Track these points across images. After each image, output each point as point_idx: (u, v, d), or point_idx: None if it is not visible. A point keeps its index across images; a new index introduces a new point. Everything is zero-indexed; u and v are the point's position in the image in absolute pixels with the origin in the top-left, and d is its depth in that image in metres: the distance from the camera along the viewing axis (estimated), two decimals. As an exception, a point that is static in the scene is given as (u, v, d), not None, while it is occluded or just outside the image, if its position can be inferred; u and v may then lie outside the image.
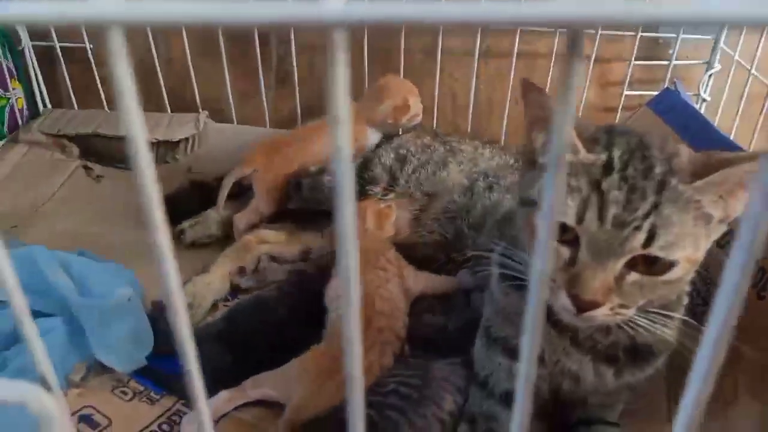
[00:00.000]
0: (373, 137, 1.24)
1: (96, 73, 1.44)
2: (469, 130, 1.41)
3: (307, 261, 1.09)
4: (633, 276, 0.60)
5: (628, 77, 1.33)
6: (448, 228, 1.05)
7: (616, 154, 0.61)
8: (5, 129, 1.40)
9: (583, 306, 0.60)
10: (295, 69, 1.41)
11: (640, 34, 1.30)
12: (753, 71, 1.21)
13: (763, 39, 1.21)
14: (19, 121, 1.44)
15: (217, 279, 1.04)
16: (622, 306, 0.61)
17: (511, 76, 1.37)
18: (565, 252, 0.62)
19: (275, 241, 1.12)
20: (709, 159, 0.60)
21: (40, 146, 1.38)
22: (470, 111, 1.41)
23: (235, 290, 1.06)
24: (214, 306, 1.03)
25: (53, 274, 0.91)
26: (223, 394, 0.80)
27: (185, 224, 1.17)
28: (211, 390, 0.85)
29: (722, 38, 1.28)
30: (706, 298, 0.80)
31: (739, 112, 1.23)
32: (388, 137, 1.25)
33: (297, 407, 0.75)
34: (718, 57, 1.30)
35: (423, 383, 0.78)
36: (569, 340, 0.72)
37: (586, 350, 0.72)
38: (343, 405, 0.75)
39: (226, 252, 1.10)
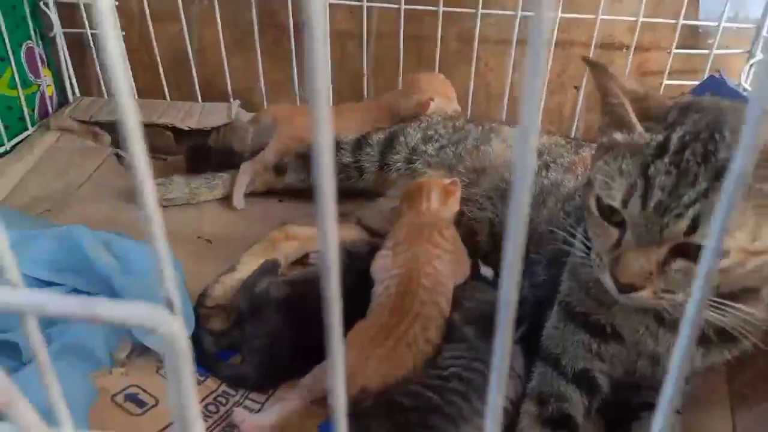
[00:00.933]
0: None
1: (128, 60, 1.43)
2: (504, 119, 1.39)
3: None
4: (679, 263, 0.59)
5: (668, 67, 1.31)
6: (500, 206, 1.03)
7: (676, 135, 0.59)
8: (36, 116, 1.38)
9: (622, 288, 0.61)
10: (329, 57, 1.39)
11: (681, 22, 1.29)
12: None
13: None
14: (49, 109, 1.42)
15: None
16: (666, 291, 0.60)
17: (548, 66, 1.35)
18: (614, 233, 0.62)
19: (304, 236, 1.08)
20: None
21: (72, 133, 1.37)
22: (506, 100, 1.38)
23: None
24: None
25: (95, 252, 0.89)
26: (289, 405, 0.77)
27: None
28: (269, 364, 0.83)
29: (765, 26, 1.26)
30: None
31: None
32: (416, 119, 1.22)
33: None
34: (760, 46, 1.28)
35: (487, 368, 0.76)
36: (654, 320, 0.70)
37: (675, 331, 0.70)
38: (398, 387, 0.75)
39: (253, 249, 1.05)
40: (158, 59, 1.42)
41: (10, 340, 0.77)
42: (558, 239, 0.78)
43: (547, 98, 1.39)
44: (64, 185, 1.26)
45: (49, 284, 0.89)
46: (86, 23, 1.40)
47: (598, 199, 0.64)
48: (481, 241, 1.03)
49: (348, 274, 0.93)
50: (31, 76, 1.37)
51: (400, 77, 1.39)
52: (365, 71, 1.42)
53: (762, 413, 0.80)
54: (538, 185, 1.01)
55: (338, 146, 1.16)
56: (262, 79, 1.43)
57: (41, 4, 1.37)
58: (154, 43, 1.41)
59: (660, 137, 0.60)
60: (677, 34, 1.29)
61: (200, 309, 0.87)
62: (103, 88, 1.47)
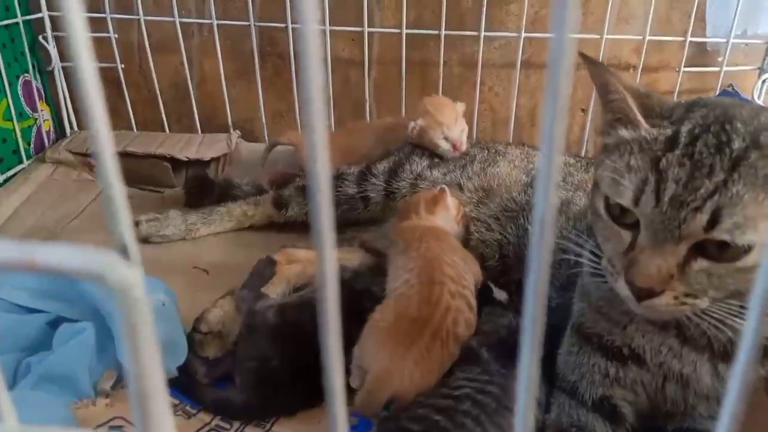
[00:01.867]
0: None
1: (126, 94, 1.41)
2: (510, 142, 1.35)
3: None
4: (700, 263, 0.54)
5: (678, 86, 1.28)
6: (509, 227, 0.98)
7: (686, 128, 0.56)
8: (31, 149, 1.36)
9: (639, 294, 0.55)
10: (330, 84, 1.37)
11: (689, 39, 1.26)
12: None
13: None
14: (45, 143, 1.40)
15: None
16: (688, 295, 0.55)
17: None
18: (627, 236, 0.57)
19: (305, 259, 1.03)
20: None
21: (67, 166, 1.34)
22: (512, 123, 1.35)
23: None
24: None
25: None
26: None
27: (142, 218, 1.13)
28: (256, 388, 0.77)
29: (776, 41, 1.24)
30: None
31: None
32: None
33: (377, 379, 0.69)
34: (772, 61, 1.25)
35: (502, 392, 0.69)
36: (677, 339, 0.64)
37: (701, 348, 0.63)
38: (406, 409, 0.68)
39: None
40: (158, 92, 1.40)
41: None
42: (570, 259, 0.72)
43: (554, 122, 1.35)
44: (59, 216, 1.22)
45: (32, 311, 0.83)
46: (86, 57, 1.38)
47: (607, 200, 0.59)
48: (492, 265, 0.99)
49: (352, 295, 0.88)
50: (27, 110, 1.35)
51: (403, 103, 1.36)
52: (368, 98, 1.39)
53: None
54: None
55: (342, 177, 1.13)
56: (263, 109, 1.40)
57: (40, 37, 1.36)
58: (154, 76, 1.39)
59: (669, 131, 0.56)
60: (685, 52, 1.27)
61: (195, 335, 0.81)
62: (102, 121, 1.44)
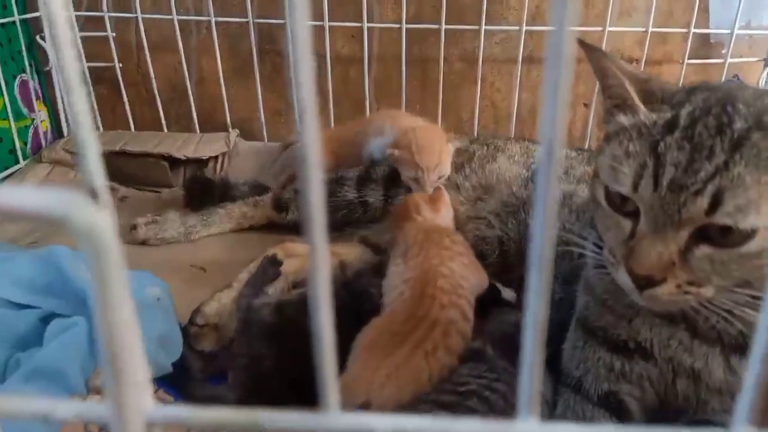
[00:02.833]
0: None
1: (124, 93, 1.40)
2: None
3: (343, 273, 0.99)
4: (703, 249, 0.52)
5: (682, 78, 1.26)
6: (510, 223, 0.96)
7: (685, 111, 0.54)
8: (28, 150, 1.34)
9: (640, 282, 0.54)
10: (330, 82, 1.35)
11: (692, 31, 1.24)
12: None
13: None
14: (42, 144, 1.38)
15: None
16: (691, 284, 0.53)
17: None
18: (627, 225, 0.56)
19: (303, 253, 1.01)
20: None
21: (64, 165, 1.32)
22: (513, 119, 1.33)
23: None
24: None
25: (75, 272, 0.82)
26: None
27: (140, 220, 1.11)
28: (248, 386, 0.75)
29: (781, 32, 1.22)
30: None
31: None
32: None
33: (344, 385, 0.65)
34: (778, 51, 1.23)
35: (510, 390, 0.67)
36: (687, 332, 0.62)
37: (712, 341, 0.61)
38: (406, 406, 0.66)
39: (251, 267, 0.99)
40: (156, 91, 1.39)
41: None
42: (573, 252, 0.70)
43: (556, 118, 1.33)
44: (54, 217, 1.20)
45: (24, 307, 0.81)
46: (83, 58, 1.38)
47: (606, 189, 0.58)
48: (492, 263, 0.96)
49: (352, 296, 0.86)
50: (24, 110, 1.33)
51: (404, 101, 1.34)
52: (368, 96, 1.37)
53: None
54: None
55: (341, 182, 1.11)
56: (261, 107, 1.39)
57: (38, 38, 1.35)
58: (152, 75, 1.38)
59: (668, 115, 0.55)
60: (689, 44, 1.25)
61: (191, 327, 0.79)
62: (99, 121, 1.43)
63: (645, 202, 0.53)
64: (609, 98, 0.61)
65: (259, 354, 0.75)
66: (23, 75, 1.33)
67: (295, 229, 1.16)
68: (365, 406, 0.63)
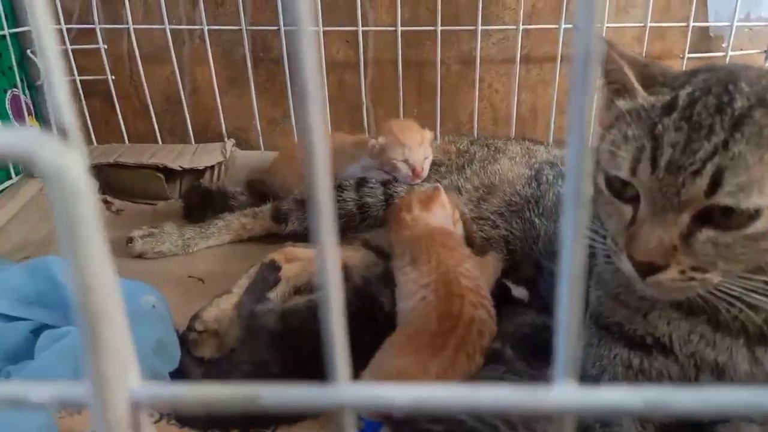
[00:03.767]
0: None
1: (117, 106, 1.38)
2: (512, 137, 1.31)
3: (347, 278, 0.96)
4: (706, 232, 0.50)
5: (682, 73, 1.25)
6: (514, 222, 0.94)
7: (684, 92, 0.52)
8: (20, 165, 1.31)
9: (641, 269, 0.52)
10: (326, 87, 1.33)
11: (691, 24, 1.23)
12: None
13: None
14: (36, 159, 1.35)
15: None
16: (696, 269, 0.51)
17: (556, 82, 1.29)
18: (628, 211, 0.54)
19: (304, 257, 0.99)
20: None
21: (57, 180, 1.29)
22: (513, 120, 1.31)
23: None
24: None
25: (68, 280, 0.79)
26: None
27: (136, 233, 1.09)
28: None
29: (781, 23, 1.21)
30: None
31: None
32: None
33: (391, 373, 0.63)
34: (779, 43, 1.22)
35: None
36: (708, 325, 0.59)
37: (736, 333, 0.58)
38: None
39: (251, 273, 0.97)
40: (149, 103, 1.37)
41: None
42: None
43: (557, 117, 1.32)
44: (47, 232, 1.17)
45: (15, 319, 0.78)
46: (75, 71, 1.36)
47: (606, 175, 0.56)
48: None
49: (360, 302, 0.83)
50: (16, 124, 1.31)
51: (401, 105, 1.32)
52: (364, 100, 1.35)
53: None
54: (554, 195, 0.94)
55: (341, 188, 1.09)
56: (257, 116, 1.36)
57: (29, 52, 1.33)
58: (145, 87, 1.36)
59: (667, 97, 0.53)
60: (688, 38, 1.24)
61: (189, 333, 0.76)
62: (92, 135, 1.41)
63: (644, 185, 0.51)
64: (609, 84, 0.60)
65: (264, 361, 0.72)
66: (14, 90, 1.31)
67: (295, 237, 1.13)
68: None
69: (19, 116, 1.32)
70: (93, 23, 1.31)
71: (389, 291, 0.81)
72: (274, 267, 0.90)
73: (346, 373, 0.22)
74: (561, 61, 1.27)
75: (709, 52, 1.27)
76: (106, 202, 1.29)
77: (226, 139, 1.38)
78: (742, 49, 1.26)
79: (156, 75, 1.37)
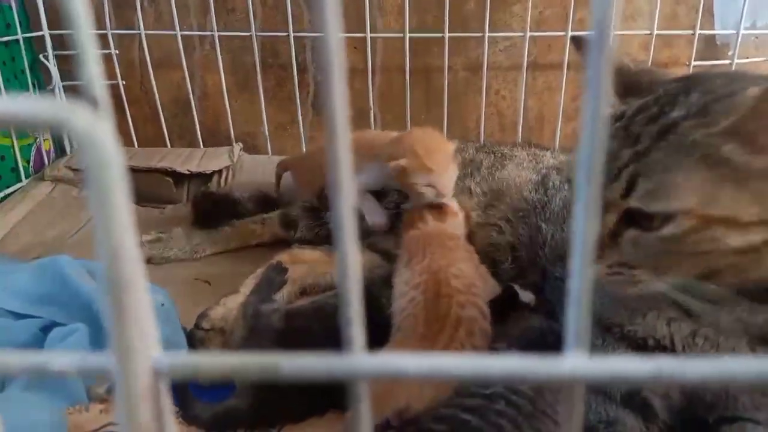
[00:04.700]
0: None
1: (128, 111, 1.39)
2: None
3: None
4: (630, 232, 0.54)
5: (688, 81, 1.25)
6: (521, 228, 0.94)
7: (639, 102, 0.56)
8: (30, 168, 1.33)
9: None
10: (334, 93, 1.34)
11: (697, 32, 1.24)
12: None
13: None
14: (45, 162, 1.37)
15: None
16: (622, 265, 0.55)
17: (563, 90, 1.30)
18: None
19: (310, 260, 0.99)
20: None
21: (67, 183, 1.31)
22: (520, 126, 1.32)
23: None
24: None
25: (79, 278, 0.80)
26: None
27: (144, 238, 1.09)
28: (257, 394, 0.72)
29: (787, 31, 1.21)
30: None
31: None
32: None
33: (384, 390, 0.63)
34: (785, 51, 1.23)
35: (536, 394, 0.64)
36: (711, 327, 0.60)
37: (738, 334, 0.58)
38: (427, 411, 0.63)
39: (258, 273, 0.97)
40: (159, 108, 1.38)
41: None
42: None
43: (563, 125, 1.32)
44: (57, 233, 1.18)
45: (24, 317, 0.79)
46: (86, 75, 1.37)
47: (568, 178, 0.61)
48: (506, 269, 0.94)
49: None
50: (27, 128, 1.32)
51: (408, 111, 1.33)
52: (372, 106, 1.37)
53: None
54: (560, 200, 0.94)
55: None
56: (265, 121, 1.38)
57: (41, 56, 1.35)
58: (156, 92, 1.37)
59: (625, 107, 0.57)
60: (695, 46, 1.24)
61: (197, 332, 0.77)
62: (103, 139, 1.42)
63: None
64: None
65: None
66: (27, 94, 1.33)
67: (303, 243, 1.14)
68: (405, 411, 0.60)
69: (31, 120, 1.34)
70: (105, 29, 1.33)
71: (390, 292, 0.82)
72: (280, 269, 0.91)
73: (361, 344, 0.22)
74: (568, 68, 1.28)
75: (716, 59, 1.28)
76: (114, 205, 1.30)
77: (234, 144, 1.39)
78: (748, 57, 1.26)
79: (166, 80, 1.38)
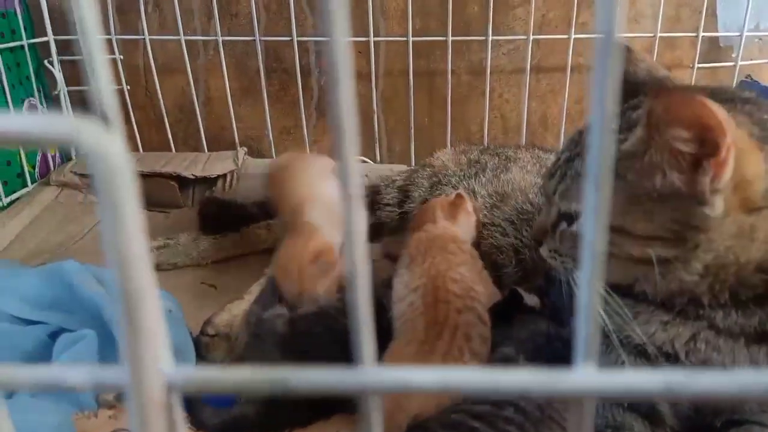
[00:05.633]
0: None
1: (132, 116, 1.40)
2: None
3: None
4: (562, 225, 0.63)
5: (693, 83, 1.25)
6: (525, 230, 0.94)
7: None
8: (36, 173, 1.34)
9: (533, 241, 0.70)
10: (338, 97, 1.35)
11: (701, 35, 1.24)
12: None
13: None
14: (51, 167, 1.38)
15: None
16: (556, 251, 0.65)
17: (566, 92, 1.30)
18: None
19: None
20: None
21: (72, 188, 1.31)
22: (524, 129, 1.32)
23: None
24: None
25: (86, 285, 0.80)
26: None
27: (152, 244, 1.09)
28: (262, 400, 0.72)
29: (791, 33, 1.21)
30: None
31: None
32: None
33: (394, 400, 0.63)
34: (788, 52, 1.22)
35: (545, 401, 0.64)
36: (710, 330, 0.60)
37: (736, 335, 0.59)
38: (436, 417, 0.63)
39: (263, 280, 0.97)
40: (164, 113, 1.39)
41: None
42: None
43: (566, 127, 1.32)
44: (63, 238, 1.19)
45: (31, 323, 0.79)
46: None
47: None
48: (509, 272, 0.94)
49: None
50: (33, 133, 1.33)
51: (412, 115, 1.34)
52: (375, 110, 1.37)
53: None
54: None
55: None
56: (270, 126, 1.38)
57: (46, 62, 1.36)
58: (160, 97, 1.38)
59: None
60: (698, 48, 1.24)
61: (202, 337, 0.77)
62: (107, 144, 1.43)
63: (542, 188, 0.71)
64: None
65: (273, 365, 0.72)
66: (32, 99, 1.34)
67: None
68: (417, 419, 0.60)
69: (36, 125, 1.34)
70: (109, 34, 1.34)
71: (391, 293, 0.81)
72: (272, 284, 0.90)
73: (371, 357, 0.22)
74: (571, 71, 1.28)
75: (719, 62, 1.28)
76: (120, 209, 1.30)
77: (238, 148, 1.40)
78: (751, 59, 1.26)
79: (171, 85, 1.39)
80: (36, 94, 1.35)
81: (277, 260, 0.88)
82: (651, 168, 0.53)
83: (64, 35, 1.34)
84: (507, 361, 0.71)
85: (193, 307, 0.91)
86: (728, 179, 0.51)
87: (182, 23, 1.31)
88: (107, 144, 0.19)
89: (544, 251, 0.67)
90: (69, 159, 1.42)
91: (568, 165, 0.62)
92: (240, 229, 1.15)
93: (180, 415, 0.23)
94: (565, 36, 1.26)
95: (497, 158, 1.09)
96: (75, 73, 1.39)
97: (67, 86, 1.39)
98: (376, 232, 1.08)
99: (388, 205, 1.08)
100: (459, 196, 0.88)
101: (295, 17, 1.29)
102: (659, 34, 1.23)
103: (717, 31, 1.27)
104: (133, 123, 1.40)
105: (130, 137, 1.41)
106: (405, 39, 1.29)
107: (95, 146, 0.19)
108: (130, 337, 0.21)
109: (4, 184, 1.24)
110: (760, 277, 0.56)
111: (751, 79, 1.13)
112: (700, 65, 1.25)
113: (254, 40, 1.31)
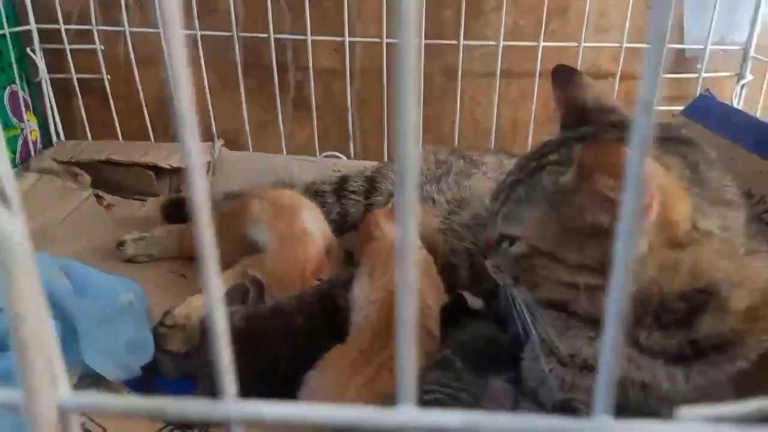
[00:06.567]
0: None
1: (113, 105, 1.43)
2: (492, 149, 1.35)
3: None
4: (504, 243, 0.66)
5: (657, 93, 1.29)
6: (479, 234, 0.98)
7: (552, 138, 0.70)
8: (17, 159, 1.37)
9: (483, 254, 0.72)
10: (313, 95, 1.38)
11: (666, 46, 1.27)
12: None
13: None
14: (32, 153, 1.41)
15: None
16: (497, 267, 0.69)
17: (535, 97, 1.33)
18: None
19: None
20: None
21: (52, 174, 1.35)
22: (493, 131, 1.36)
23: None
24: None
25: (50, 274, 0.84)
26: None
27: (128, 237, 1.12)
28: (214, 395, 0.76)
29: (752, 48, 1.24)
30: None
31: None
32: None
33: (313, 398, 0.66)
34: (749, 66, 1.26)
35: (474, 401, 0.68)
36: (634, 348, 0.64)
37: (656, 354, 0.63)
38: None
39: (226, 274, 0.97)
40: (143, 103, 1.42)
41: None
42: None
43: (534, 130, 1.36)
44: (40, 225, 1.22)
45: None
46: (72, 69, 1.41)
47: None
48: (462, 275, 0.97)
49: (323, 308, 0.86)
50: (14, 120, 1.36)
51: (385, 114, 1.37)
52: (350, 108, 1.40)
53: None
54: None
55: (319, 192, 1.13)
56: (246, 120, 1.41)
57: (28, 50, 1.38)
58: (140, 88, 1.41)
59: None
60: (663, 59, 1.27)
61: (159, 328, 0.81)
62: (88, 132, 1.46)
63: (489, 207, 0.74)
64: None
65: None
66: (13, 86, 1.36)
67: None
68: None
69: (17, 111, 1.37)
70: (91, 24, 1.36)
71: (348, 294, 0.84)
72: (240, 290, 0.92)
73: (233, 392, 0.27)
74: (540, 76, 1.31)
75: (686, 73, 1.31)
76: (98, 197, 1.34)
77: (215, 140, 1.43)
78: (716, 71, 1.30)
79: (151, 77, 1.42)
80: (18, 80, 1.37)
81: (264, 266, 0.91)
82: (581, 207, 0.57)
83: (47, 24, 1.37)
84: (444, 363, 0.76)
85: (161, 296, 0.95)
86: (652, 222, 0.54)
87: (162, 16, 1.33)
88: (5, 223, 0.23)
89: (489, 265, 0.70)
90: (51, 144, 1.46)
91: (512, 189, 0.65)
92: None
93: (75, 432, 0.27)
94: (535, 43, 1.29)
95: (463, 161, 1.12)
96: (57, 61, 1.42)
97: (48, 73, 1.42)
98: (341, 222, 1.12)
99: (354, 192, 1.12)
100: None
101: (273, 15, 1.31)
102: (625, 45, 1.27)
103: (683, 43, 1.30)
104: (113, 112, 1.43)
105: (111, 125, 1.44)
106: (379, 41, 1.32)
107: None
108: (22, 368, 0.25)
109: (-16, 169, 1.27)
110: (682, 305, 0.60)
111: (710, 93, 1.16)
112: (666, 76, 1.29)
113: (232, 36, 1.34)
